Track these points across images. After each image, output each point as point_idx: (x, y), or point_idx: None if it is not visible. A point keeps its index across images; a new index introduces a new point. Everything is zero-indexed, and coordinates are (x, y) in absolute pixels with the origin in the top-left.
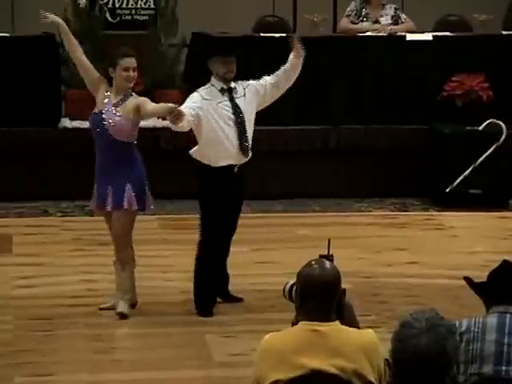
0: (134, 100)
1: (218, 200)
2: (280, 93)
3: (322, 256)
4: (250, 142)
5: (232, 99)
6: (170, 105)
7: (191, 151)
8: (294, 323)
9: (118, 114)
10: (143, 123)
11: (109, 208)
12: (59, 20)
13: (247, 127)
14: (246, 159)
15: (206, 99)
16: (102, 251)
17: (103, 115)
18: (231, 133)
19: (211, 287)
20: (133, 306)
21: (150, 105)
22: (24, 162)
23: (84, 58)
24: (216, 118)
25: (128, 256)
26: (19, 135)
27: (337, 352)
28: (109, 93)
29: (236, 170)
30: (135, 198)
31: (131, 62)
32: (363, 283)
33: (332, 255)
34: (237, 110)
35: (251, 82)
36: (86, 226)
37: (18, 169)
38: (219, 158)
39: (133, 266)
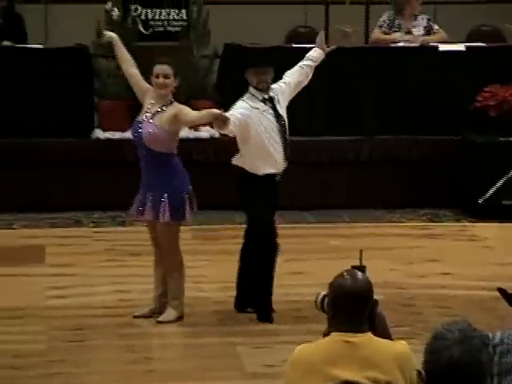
0: (173, 109)
1: (263, 207)
2: (301, 87)
3: (354, 267)
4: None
5: (274, 108)
6: (215, 110)
7: (234, 160)
8: (326, 334)
9: (153, 123)
10: None
11: (147, 217)
12: (113, 34)
13: (287, 134)
14: (285, 167)
15: (254, 108)
16: (134, 261)
17: (141, 124)
18: (277, 141)
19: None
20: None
21: (191, 112)
22: (56, 173)
23: (134, 71)
24: (263, 127)
25: (173, 264)
26: (52, 146)
27: (369, 363)
28: (152, 102)
29: (278, 178)
30: (171, 209)
31: (162, 68)
32: (396, 294)
33: (364, 266)
34: (279, 118)
35: (274, 85)
36: (119, 236)
37: (51, 179)
38: (265, 166)
39: (182, 272)
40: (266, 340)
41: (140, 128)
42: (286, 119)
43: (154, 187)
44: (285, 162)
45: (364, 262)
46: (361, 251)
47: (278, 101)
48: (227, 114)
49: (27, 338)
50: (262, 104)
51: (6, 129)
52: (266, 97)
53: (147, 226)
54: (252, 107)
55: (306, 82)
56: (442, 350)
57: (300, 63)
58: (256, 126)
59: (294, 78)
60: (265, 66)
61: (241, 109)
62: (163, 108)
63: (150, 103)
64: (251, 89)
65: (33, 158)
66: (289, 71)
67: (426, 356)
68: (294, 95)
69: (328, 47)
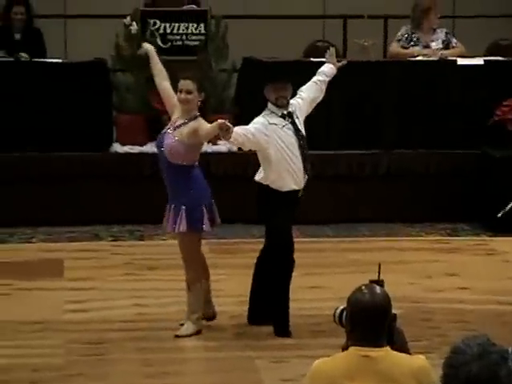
0: (194, 124)
1: (284, 222)
2: (317, 102)
3: (372, 281)
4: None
5: (294, 123)
6: (219, 120)
7: (256, 177)
8: (345, 348)
9: (174, 136)
10: None
11: (168, 229)
12: (150, 47)
13: (307, 149)
14: (305, 182)
15: (272, 124)
16: (153, 276)
17: (163, 137)
18: (297, 156)
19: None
20: (211, 318)
21: (206, 126)
22: (75, 187)
23: (166, 84)
24: (282, 143)
25: (193, 277)
26: (71, 160)
27: (387, 378)
28: (178, 116)
29: (301, 194)
30: (188, 220)
31: (184, 84)
32: (414, 308)
33: (382, 280)
34: (299, 134)
35: (292, 101)
36: (137, 250)
37: (69, 193)
38: (287, 182)
39: (202, 285)
40: (285, 354)
41: (162, 141)
42: (304, 134)
43: (175, 199)
44: (305, 177)
45: (382, 276)
46: (379, 265)
47: (297, 116)
48: (241, 127)
49: (45, 352)
50: (282, 119)
51: (24, 143)
52: (285, 112)
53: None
54: (270, 123)
55: (321, 97)
56: (460, 364)
57: (314, 79)
58: (275, 142)
59: (310, 93)
60: (283, 82)
61: (257, 124)
62: (186, 122)
63: (176, 117)
64: (270, 105)
65: (51, 172)
66: (303, 87)
67: (445, 370)
68: (310, 111)
69: (339, 61)
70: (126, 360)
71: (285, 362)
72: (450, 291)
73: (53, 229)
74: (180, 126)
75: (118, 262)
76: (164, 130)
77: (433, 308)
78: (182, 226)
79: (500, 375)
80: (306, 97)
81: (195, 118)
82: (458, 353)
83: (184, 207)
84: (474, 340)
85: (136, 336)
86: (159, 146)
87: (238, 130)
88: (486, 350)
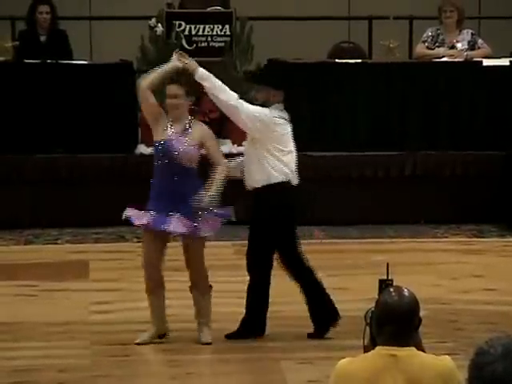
0: (200, 130)
1: (287, 224)
2: None
3: (381, 280)
4: None
5: (290, 126)
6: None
7: (249, 183)
8: (368, 347)
9: (186, 142)
10: None
11: (182, 231)
12: (177, 63)
13: None
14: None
15: (274, 117)
16: (177, 277)
17: (172, 143)
18: (294, 158)
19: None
20: (163, 336)
21: (212, 147)
22: (101, 188)
23: (148, 93)
24: (278, 136)
25: (207, 284)
26: (96, 161)
27: (414, 377)
28: (170, 123)
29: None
30: (210, 224)
31: (171, 88)
32: (440, 310)
33: (391, 280)
34: (293, 138)
35: None
36: None
37: (95, 195)
38: (277, 176)
39: (203, 292)
40: (310, 355)
41: (171, 147)
42: None
43: (182, 203)
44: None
45: (408, 278)
46: (387, 265)
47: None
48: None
49: (72, 353)
50: (283, 114)
51: (50, 144)
52: (286, 117)
53: None
54: (273, 116)
55: None
56: (485, 365)
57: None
58: (269, 132)
59: None
60: (274, 89)
61: (260, 109)
62: (189, 127)
63: (168, 124)
64: (277, 105)
65: (77, 174)
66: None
67: (470, 372)
68: None
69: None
70: (152, 361)
71: (310, 363)
72: (476, 292)
73: (78, 230)
74: (183, 132)
75: None
76: (161, 138)
77: (459, 309)
78: (208, 230)
79: None
80: None
81: (191, 121)
82: (482, 353)
83: (204, 212)
84: (498, 340)
85: None
86: (165, 153)
87: (249, 106)
88: (510, 349)
